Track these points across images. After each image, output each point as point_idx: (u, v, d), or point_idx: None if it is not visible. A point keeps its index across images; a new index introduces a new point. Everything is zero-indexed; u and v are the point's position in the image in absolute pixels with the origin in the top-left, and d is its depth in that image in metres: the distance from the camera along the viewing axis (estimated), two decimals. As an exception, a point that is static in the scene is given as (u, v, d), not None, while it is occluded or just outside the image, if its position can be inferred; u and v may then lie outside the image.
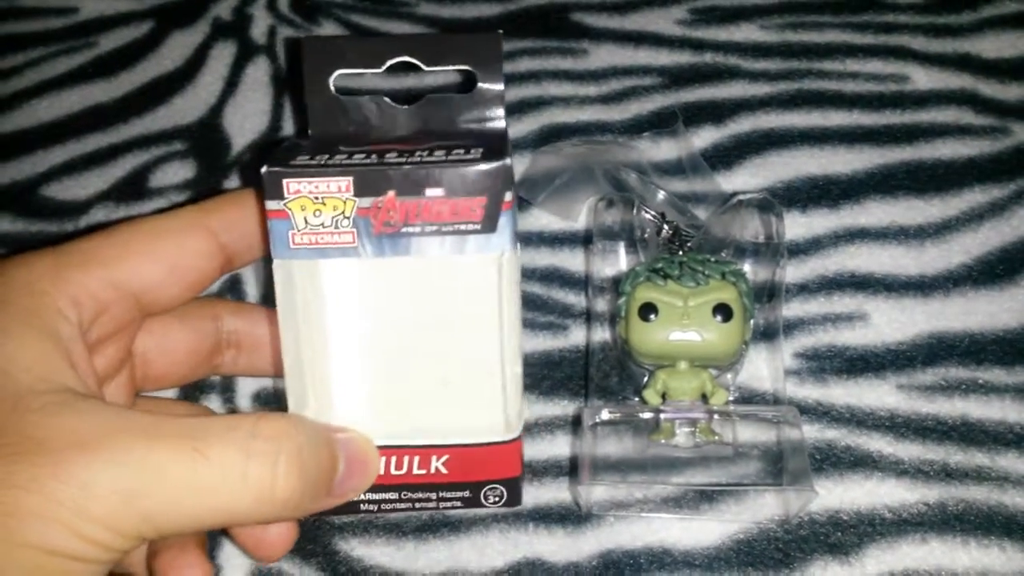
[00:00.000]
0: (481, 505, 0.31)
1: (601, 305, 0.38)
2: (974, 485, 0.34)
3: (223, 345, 0.34)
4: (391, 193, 0.27)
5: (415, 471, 0.30)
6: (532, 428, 0.37)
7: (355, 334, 0.29)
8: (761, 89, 0.46)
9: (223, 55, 0.51)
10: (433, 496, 0.31)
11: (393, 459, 0.30)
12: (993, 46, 0.47)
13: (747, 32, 0.48)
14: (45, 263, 0.27)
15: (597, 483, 0.34)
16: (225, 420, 0.26)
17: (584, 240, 0.41)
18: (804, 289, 0.39)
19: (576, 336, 0.39)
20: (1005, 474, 0.34)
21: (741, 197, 0.37)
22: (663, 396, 0.34)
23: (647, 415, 0.34)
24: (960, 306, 0.38)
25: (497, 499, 0.31)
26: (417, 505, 0.31)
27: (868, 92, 0.45)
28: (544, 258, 0.41)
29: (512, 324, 0.29)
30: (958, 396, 0.36)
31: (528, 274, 0.41)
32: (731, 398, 0.36)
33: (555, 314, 0.40)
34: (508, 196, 0.27)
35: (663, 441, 0.34)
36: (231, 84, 0.50)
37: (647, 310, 0.34)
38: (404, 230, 0.27)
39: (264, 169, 0.27)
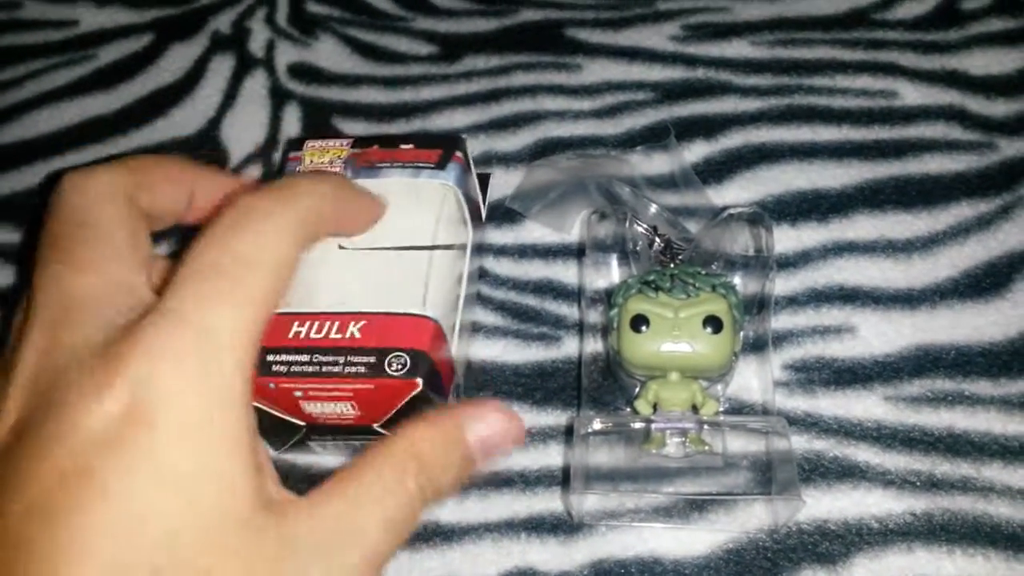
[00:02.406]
0: (384, 372, 0.31)
1: (594, 316, 0.39)
2: (960, 495, 0.34)
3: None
4: (375, 147, 0.38)
5: (332, 335, 0.32)
6: (525, 437, 0.37)
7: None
8: (752, 104, 0.46)
9: (222, 68, 0.51)
10: (341, 360, 0.31)
11: (316, 323, 0.32)
12: (980, 63, 0.47)
13: (738, 48, 0.49)
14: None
15: (589, 492, 0.34)
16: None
17: (577, 252, 0.42)
18: (793, 301, 0.40)
19: (569, 347, 0.39)
20: (990, 484, 0.34)
21: (732, 211, 0.38)
22: (654, 407, 0.35)
23: (638, 425, 0.34)
24: (947, 319, 0.39)
25: (400, 367, 0.31)
26: (323, 369, 0.31)
27: (857, 107, 0.46)
28: (538, 270, 0.42)
29: (446, 246, 0.36)
30: (944, 407, 0.36)
31: (522, 286, 0.41)
32: (721, 409, 0.36)
33: (548, 325, 0.40)
34: (459, 154, 0.37)
35: (654, 451, 0.34)
36: (229, 96, 0.50)
37: (639, 322, 0.34)
38: (378, 165, 0.37)
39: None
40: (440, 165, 0.37)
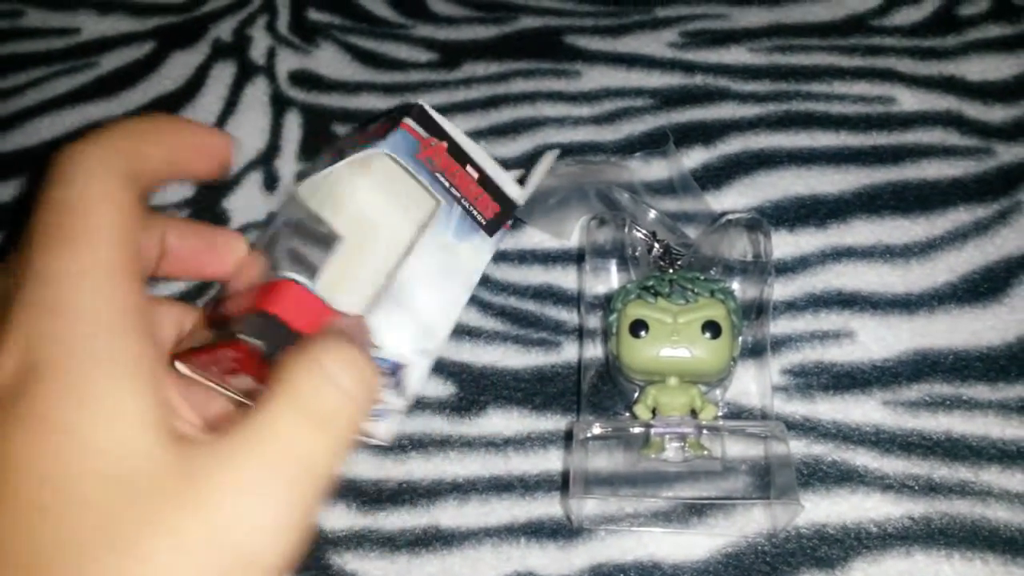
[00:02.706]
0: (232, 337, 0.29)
1: (593, 322, 0.39)
2: (958, 499, 0.34)
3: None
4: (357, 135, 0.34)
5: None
6: (525, 442, 0.37)
7: None
8: (750, 110, 0.47)
9: (223, 75, 0.52)
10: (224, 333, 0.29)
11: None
12: (977, 69, 0.48)
13: (737, 55, 0.49)
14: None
15: (588, 497, 0.34)
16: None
17: (577, 258, 0.42)
18: (791, 307, 0.40)
19: (568, 352, 0.39)
20: (988, 488, 0.35)
21: (730, 216, 0.38)
22: (653, 411, 0.35)
23: (637, 430, 0.34)
24: (944, 323, 0.39)
25: (243, 330, 0.28)
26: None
27: (855, 113, 0.46)
28: (537, 276, 0.42)
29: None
30: (942, 412, 0.37)
31: (522, 291, 0.41)
32: (720, 413, 0.36)
33: (548, 330, 0.40)
34: (407, 121, 0.32)
35: (653, 455, 0.34)
36: (231, 104, 0.50)
37: (638, 327, 0.35)
38: (346, 150, 0.32)
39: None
40: (491, 228, 0.33)
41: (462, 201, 0.32)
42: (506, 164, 0.46)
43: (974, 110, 0.46)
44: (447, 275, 0.32)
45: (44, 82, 0.52)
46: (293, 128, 0.49)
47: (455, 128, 0.33)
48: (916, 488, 0.35)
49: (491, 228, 0.33)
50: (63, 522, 0.20)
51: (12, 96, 0.52)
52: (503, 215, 0.33)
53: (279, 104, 0.50)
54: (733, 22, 0.51)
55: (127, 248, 0.23)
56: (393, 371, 0.30)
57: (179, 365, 0.30)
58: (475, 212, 0.33)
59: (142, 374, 0.21)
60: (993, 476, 0.35)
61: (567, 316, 0.41)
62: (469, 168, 0.33)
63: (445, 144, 0.33)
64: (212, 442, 0.22)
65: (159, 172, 0.28)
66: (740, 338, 0.36)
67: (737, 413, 0.37)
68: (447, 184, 0.32)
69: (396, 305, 0.31)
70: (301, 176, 0.37)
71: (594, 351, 0.39)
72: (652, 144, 0.45)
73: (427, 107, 0.33)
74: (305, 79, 0.51)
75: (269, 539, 0.21)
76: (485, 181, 0.33)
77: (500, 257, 0.43)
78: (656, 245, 0.39)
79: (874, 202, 0.43)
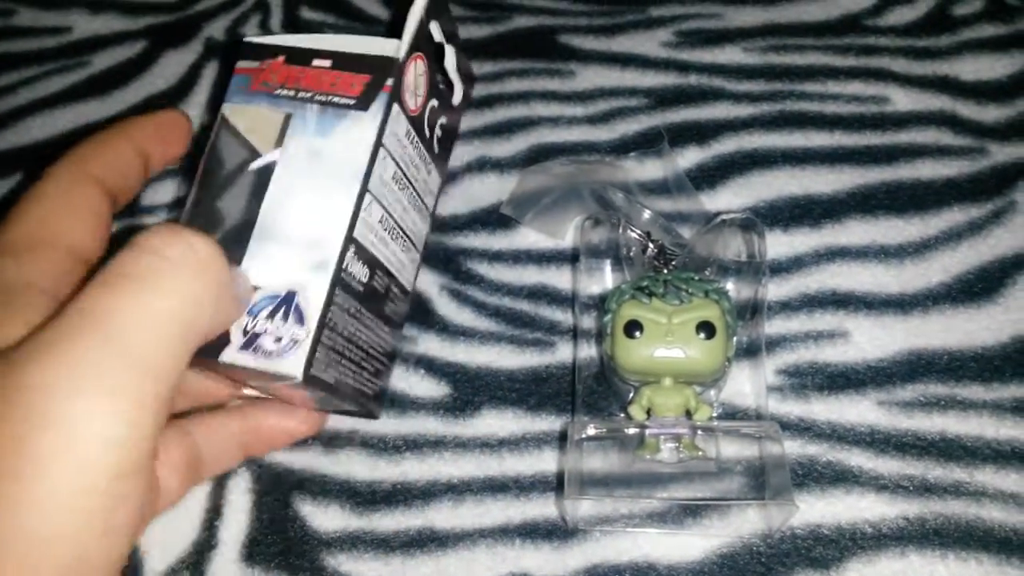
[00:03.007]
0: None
1: (587, 322, 0.39)
2: (953, 499, 0.34)
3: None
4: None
5: None
6: (519, 443, 0.37)
7: None
8: (744, 110, 0.47)
9: (216, 74, 0.51)
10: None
11: None
12: (972, 68, 0.48)
13: (731, 54, 0.49)
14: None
15: (583, 498, 0.34)
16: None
17: (571, 258, 0.42)
18: (786, 307, 0.40)
19: (563, 353, 0.39)
20: (983, 489, 0.35)
21: (724, 216, 0.38)
22: (648, 412, 0.35)
23: (632, 431, 0.34)
24: (939, 324, 0.39)
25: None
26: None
27: (849, 113, 0.46)
28: (532, 276, 0.42)
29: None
30: (937, 412, 0.37)
31: (516, 291, 0.41)
32: (714, 414, 0.36)
33: (542, 331, 0.40)
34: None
35: (648, 456, 0.34)
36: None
37: (632, 327, 0.35)
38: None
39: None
40: (362, 102, 0.31)
41: (315, 98, 0.31)
42: (499, 164, 0.46)
43: (968, 110, 0.46)
44: (324, 178, 0.31)
45: (36, 81, 0.52)
46: (286, 128, 0.49)
47: (293, 37, 0.33)
48: (911, 488, 0.35)
49: (364, 102, 0.31)
50: None
51: (4, 95, 0.51)
52: (376, 81, 0.31)
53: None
54: (727, 22, 0.51)
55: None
56: (283, 303, 0.29)
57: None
58: (335, 98, 0.31)
59: None
60: (988, 476, 0.35)
61: (562, 316, 0.40)
62: (316, 62, 0.32)
63: (281, 57, 0.32)
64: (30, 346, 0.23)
65: (130, 171, 0.30)
66: (735, 338, 0.36)
67: (732, 414, 0.37)
68: (292, 92, 0.31)
69: (262, 240, 0.30)
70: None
71: (589, 352, 0.38)
72: (646, 144, 0.45)
73: (251, 39, 0.33)
74: (298, 78, 0.51)
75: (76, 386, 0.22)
76: (342, 62, 0.32)
77: (494, 257, 0.42)
78: (651, 245, 0.38)
79: (868, 202, 0.43)
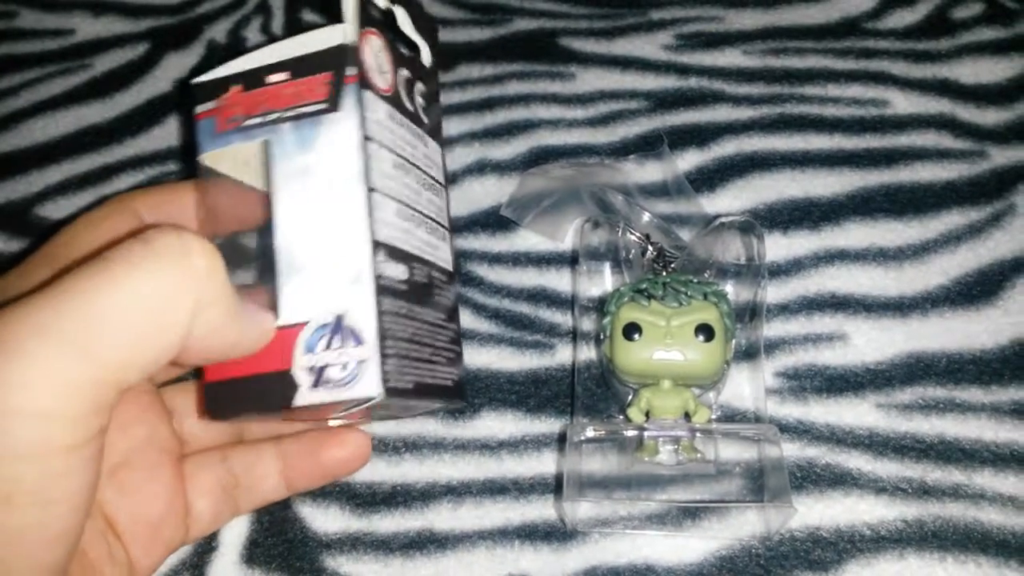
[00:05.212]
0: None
1: (587, 324, 0.39)
2: (951, 502, 0.34)
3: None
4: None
5: None
6: (518, 445, 0.37)
7: None
8: (744, 113, 0.47)
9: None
10: None
11: None
12: (971, 71, 0.48)
13: (731, 57, 0.49)
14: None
15: (582, 500, 0.34)
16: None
17: (571, 261, 0.42)
18: (785, 309, 0.40)
19: (562, 355, 0.39)
20: (981, 491, 0.35)
21: (723, 219, 0.38)
22: (647, 414, 0.35)
23: (631, 433, 0.34)
24: (938, 326, 0.39)
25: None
26: None
27: (849, 116, 0.46)
28: (531, 278, 0.42)
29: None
30: (935, 415, 0.37)
31: (516, 294, 0.41)
32: (713, 416, 0.36)
33: (542, 333, 0.40)
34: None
35: (647, 458, 0.34)
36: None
37: (631, 330, 0.35)
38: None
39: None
40: (331, 102, 0.29)
41: (284, 115, 0.29)
42: (499, 167, 0.46)
43: (967, 113, 0.46)
44: (324, 192, 0.29)
45: (38, 83, 0.52)
46: (287, 130, 0.49)
47: (237, 61, 0.31)
48: (909, 491, 0.35)
49: (333, 102, 0.29)
50: None
51: (6, 97, 0.52)
52: (338, 76, 0.29)
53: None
54: (727, 24, 0.51)
55: None
56: (335, 329, 0.28)
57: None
58: (304, 108, 0.29)
59: None
60: (986, 479, 0.35)
61: (561, 319, 0.41)
62: (272, 77, 0.30)
63: (239, 86, 0.30)
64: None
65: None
66: (733, 341, 0.36)
67: (730, 416, 0.37)
68: (259, 120, 0.30)
69: (289, 275, 0.29)
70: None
71: (588, 354, 0.39)
72: (646, 146, 0.45)
73: (198, 80, 0.31)
74: (299, 81, 0.51)
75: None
76: (298, 68, 0.30)
77: (494, 259, 0.43)
78: (650, 248, 0.39)
79: (867, 205, 0.43)
